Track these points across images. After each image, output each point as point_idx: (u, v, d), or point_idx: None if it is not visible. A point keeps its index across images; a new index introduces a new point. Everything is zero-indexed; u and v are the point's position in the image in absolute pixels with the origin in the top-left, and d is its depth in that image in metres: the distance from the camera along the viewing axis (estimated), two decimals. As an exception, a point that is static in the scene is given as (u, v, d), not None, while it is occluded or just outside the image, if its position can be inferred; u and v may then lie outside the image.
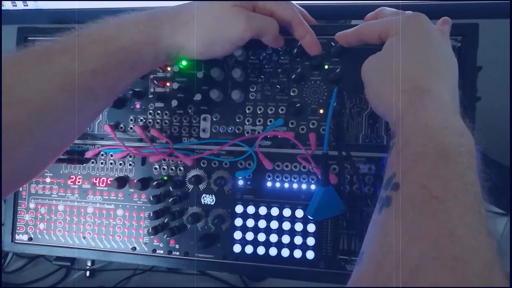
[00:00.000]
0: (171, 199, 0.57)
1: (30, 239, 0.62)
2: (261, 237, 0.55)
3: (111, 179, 0.59)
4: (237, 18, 0.46)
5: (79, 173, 0.61)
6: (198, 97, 0.56)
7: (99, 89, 0.44)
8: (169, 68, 0.59)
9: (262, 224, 0.55)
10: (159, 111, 0.59)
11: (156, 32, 0.46)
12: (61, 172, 0.61)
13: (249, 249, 0.55)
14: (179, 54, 0.48)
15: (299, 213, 0.54)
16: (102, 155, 0.61)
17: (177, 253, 0.58)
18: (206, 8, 0.47)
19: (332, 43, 0.53)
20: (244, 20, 0.46)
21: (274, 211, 0.55)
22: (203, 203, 0.57)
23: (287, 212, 0.54)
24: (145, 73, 0.52)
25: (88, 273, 0.85)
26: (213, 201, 0.57)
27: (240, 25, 0.46)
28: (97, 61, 0.42)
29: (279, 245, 0.54)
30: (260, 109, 0.56)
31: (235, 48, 0.50)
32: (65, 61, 0.41)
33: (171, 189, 0.58)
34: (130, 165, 0.60)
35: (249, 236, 0.55)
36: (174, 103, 0.56)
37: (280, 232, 0.55)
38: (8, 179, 0.39)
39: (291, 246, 0.54)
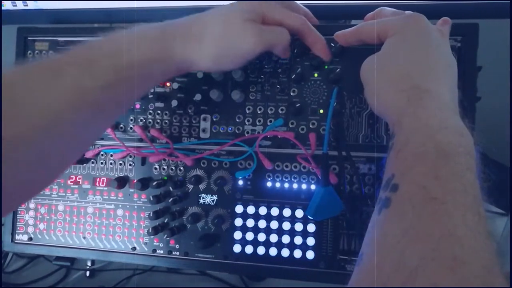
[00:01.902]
0: (171, 199, 0.57)
1: (30, 239, 0.62)
2: (261, 237, 0.55)
3: (111, 179, 0.59)
4: (249, 33, 0.45)
5: (79, 173, 0.61)
6: (198, 97, 0.56)
7: (108, 104, 0.43)
8: (169, 68, 0.59)
9: (262, 224, 0.55)
10: (159, 111, 0.59)
11: (167, 48, 0.45)
12: (61, 172, 0.61)
13: (249, 249, 0.55)
14: (189, 69, 0.48)
15: (299, 213, 0.54)
16: (102, 155, 0.61)
17: (177, 253, 0.58)
18: (217, 23, 0.46)
19: (332, 43, 0.53)
20: (255, 35, 0.45)
21: (274, 211, 0.55)
22: (203, 203, 0.57)
23: (287, 212, 0.54)
24: (154, 86, 0.51)
25: (88, 273, 0.85)
26: (213, 201, 0.57)
27: (252, 40, 0.45)
28: (107, 76, 0.41)
29: (279, 245, 0.54)
30: (260, 109, 0.56)
31: (246, 62, 0.49)
32: (74, 76, 0.40)
33: (171, 189, 0.58)
34: (130, 165, 0.60)
35: (249, 236, 0.55)
36: (174, 103, 0.56)
37: (280, 232, 0.55)
38: (13, 193, 0.38)
39: (291, 246, 0.54)
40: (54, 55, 0.42)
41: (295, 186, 0.55)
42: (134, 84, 0.45)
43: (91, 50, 0.43)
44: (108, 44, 0.44)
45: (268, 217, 0.55)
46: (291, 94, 0.55)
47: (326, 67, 0.54)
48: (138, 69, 0.44)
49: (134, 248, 0.59)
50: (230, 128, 0.57)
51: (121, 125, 0.60)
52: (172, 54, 0.45)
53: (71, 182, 0.61)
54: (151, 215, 0.56)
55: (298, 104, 0.54)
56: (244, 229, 0.56)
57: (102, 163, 0.61)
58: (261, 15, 0.48)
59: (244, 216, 0.56)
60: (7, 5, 0.70)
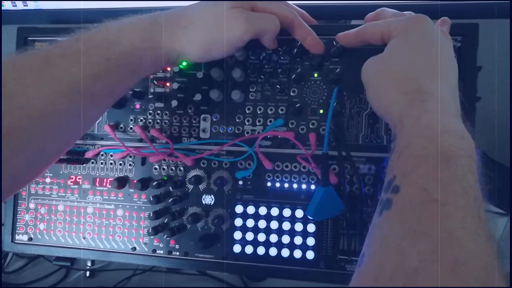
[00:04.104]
0: (171, 199, 0.57)
1: (30, 239, 0.62)
2: (261, 237, 0.55)
3: (111, 179, 0.59)
4: (236, 20, 0.46)
5: (79, 173, 0.61)
6: (198, 97, 0.56)
7: (99, 94, 0.44)
8: (169, 68, 0.59)
9: (262, 224, 0.55)
10: (159, 111, 0.59)
11: (156, 37, 0.45)
12: (61, 172, 0.61)
13: (249, 249, 0.55)
14: (179, 58, 0.48)
15: (299, 213, 0.54)
16: (102, 155, 0.61)
17: (177, 253, 0.58)
18: (205, 11, 0.47)
19: (334, 42, 0.53)
20: (243, 21, 0.46)
21: (274, 211, 0.55)
22: (203, 203, 0.57)
23: (287, 212, 0.54)
24: (145, 76, 0.52)
25: (88, 273, 0.85)
26: (213, 201, 0.57)
27: (239, 27, 0.46)
28: (97, 66, 0.42)
29: (279, 245, 0.54)
30: (260, 109, 0.56)
31: (236, 50, 0.49)
32: (64, 66, 0.41)
33: (171, 189, 0.58)
34: (130, 165, 0.60)
35: (249, 236, 0.55)
36: (174, 103, 0.56)
37: (280, 232, 0.55)
38: (7, 183, 0.39)
39: (291, 246, 0.54)
40: (43, 47, 0.42)
41: (295, 186, 0.55)
42: (125, 73, 0.45)
43: (80, 41, 0.43)
44: (98, 35, 0.44)
45: (268, 217, 0.55)
46: (291, 94, 0.55)
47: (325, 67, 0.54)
48: (128, 59, 0.44)
49: (134, 248, 0.59)
50: (230, 128, 0.57)
51: (121, 125, 0.60)
52: (160, 43, 0.46)
53: (71, 182, 0.61)
54: (151, 215, 0.56)
55: (298, 104, 0.54)
56: (244, 229, 0.56)
57: (102, 163, 0.61)
58: (251, 3, 0.48)
59: (244, 216, 0.56)
60: (7, 5, 0.70)
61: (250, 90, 0.56)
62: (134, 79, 0.48)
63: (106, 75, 0.43)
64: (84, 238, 0.60)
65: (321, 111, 0.54)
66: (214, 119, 0.57)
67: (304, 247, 0.54)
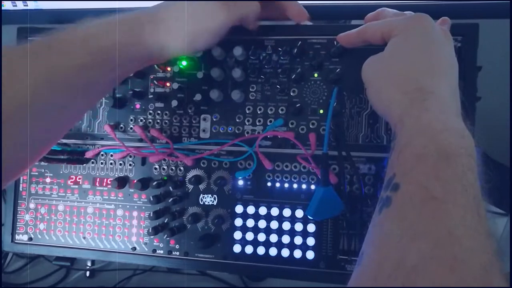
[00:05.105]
0: (171, 199, 0.57)
1: (30, 239, 0.62)
2: (261, 237, 0.55)
3: (111, 179, 0.59)
4: (216, 8, 0.46)
5: (79, 173, 0.61)
6: (198, 97, 0.56)
7: (83, 86, 0.44)
8: (169, 68, 0.59)
9: (262, 224, 0.55)
10: (159, 111, 0.59)
11: (138, 32, 0.46)
12: (61, 172, 0.61)
13: (249, 249, 0.55)
14: (163, 53, 0.48)
15: (299, 213, 0.54)
16: (102, 155, 0.61)
17: (177, 253, 0.58)
18: (183, 4, 0.47)
19: (334, 42, 0.53)
20: (223, 8, 0.46)
21: (274, 211, 0.55)
22: (203, 203, 0.57)
23: (287, 212, 0.54)
24: (132, 72, 0.54)
25: (88, 273, 0.85)
26: (213, 201, 0.57)
27: (219, 15, 0.46)
28: (80, 59, 0.43)
29: (279, 245, 0.54)
30: (260, 109, 0.56)
31: (219, 38, 0.49)
32: (49, 57, 0.41)
33: (171, 189, 0.58)
34: (130, 165, 0.60)
35: (249, 236, 0.55)
36: (174, 103, 0.56)
37: (280, 232, 0.55)
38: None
39: (291, 246, 0.54)
40: (32, 40, 0.43)
41: (295, 186, 0.55)
42: (109, 68, 0.45)
43: (67, 34, 0.44)
44: (81, 30, 0.45)
45: (268, 217, 0.55)
46: (291, 94, 0.55)
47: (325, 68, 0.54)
48: (110, 54, 0.44)
49: (134, 248, 0.59)
50: (230, 128, 0.57)
51: (121, 125, 0.60)
52: (142, 38, 0.46)
53: (71, 182, 0.61)
54: (151, 215, 0.56)
55: (298, 104, 0.54)
56: (244, 229, 0.56)
57: (102, 163, 0.61)
58: None
59: (244, 216, 0.56)
60: (7, 5, 0.70)
61: (250, 90, 0.56)
62: (119, 74, 0.48)
63: (89, 69, 0.43)
64: (84, 238, 0.60)
65: (321, 111, 0.54)
66: (214, 119, 0.57)
67: (304, 247, 0.54)
